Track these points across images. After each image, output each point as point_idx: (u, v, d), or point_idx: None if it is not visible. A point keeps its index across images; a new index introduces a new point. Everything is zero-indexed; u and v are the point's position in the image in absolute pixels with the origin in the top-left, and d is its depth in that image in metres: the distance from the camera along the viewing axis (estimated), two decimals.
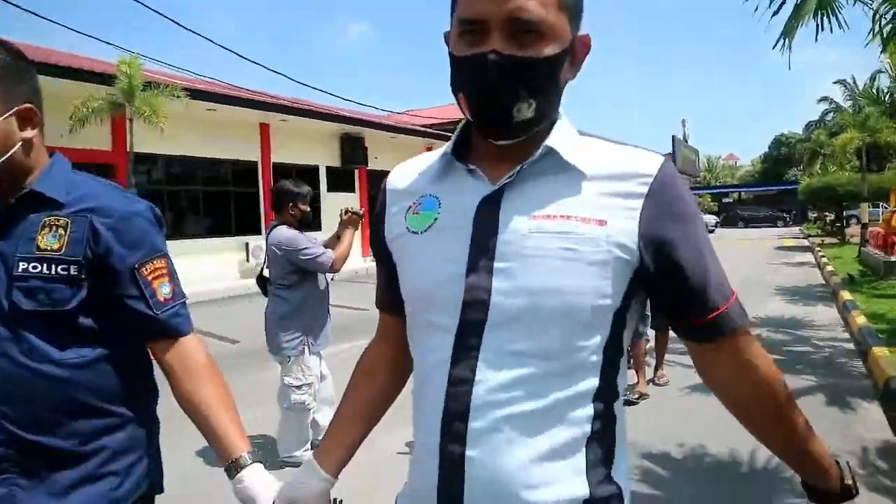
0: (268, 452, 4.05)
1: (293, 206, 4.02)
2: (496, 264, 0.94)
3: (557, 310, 0.92)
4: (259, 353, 4.47)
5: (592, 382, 0.95)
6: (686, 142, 30.48)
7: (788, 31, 6.66)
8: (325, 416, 4.17)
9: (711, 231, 36.32)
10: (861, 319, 7.36)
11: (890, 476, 3.57)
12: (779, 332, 7.70)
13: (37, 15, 13.29)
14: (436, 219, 1.04)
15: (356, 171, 20.00)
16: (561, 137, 1.00)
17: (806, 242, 24.57)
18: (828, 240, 23.85)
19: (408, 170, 1.17)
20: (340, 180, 19.39)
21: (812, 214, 35.22)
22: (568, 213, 0.94)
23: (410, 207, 1.09)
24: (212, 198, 15.72)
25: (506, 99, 0.93)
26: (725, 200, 54.04)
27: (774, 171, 56.64)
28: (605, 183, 0.96)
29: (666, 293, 0.98)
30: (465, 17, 0.93)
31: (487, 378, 0.93)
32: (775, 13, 6.65)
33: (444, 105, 29.57)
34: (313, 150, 18.45)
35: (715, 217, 39.55)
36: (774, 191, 51.70)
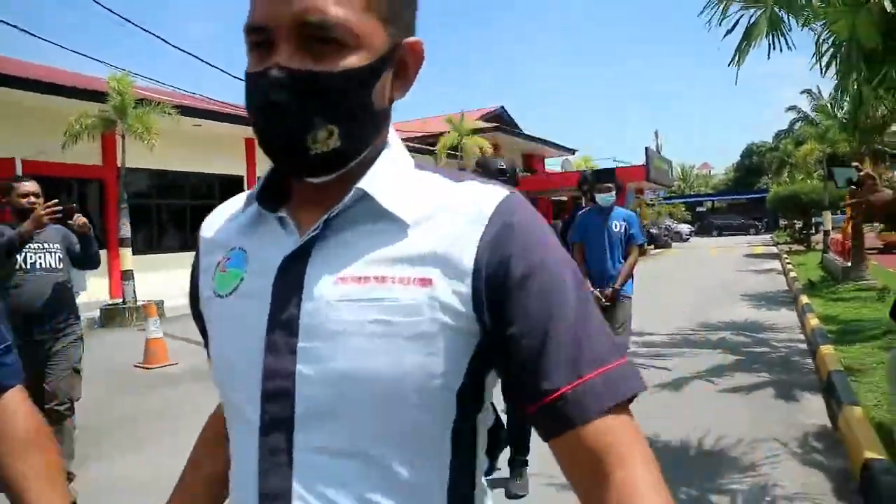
0: None
1: None
2: (300, 343, 0.73)
3: (377, 398, 0.71)
4: None
5: (442, 477, 0.75)
6: (659, 153, 31.36)
7: (740, 52, 7.13)
8: None
9: (686, 240, 37.21)
10: (815, 321, 7.96)
11: (823, 454, 4.09)
12: (740, 335, 8.29)
13: (30, 33, 13.57)
14: (242, 279, 0.81)
15: None
16: (379, 175, 0.78)
17: (775, 250, 25.43)
18: (795, 247, 24.74)
19: (223, 214, 0.92)
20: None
21: (783, 222, 36.27)
22: (383, 273, 0.73)
23: (219, 263, 0.85)
24: (198, 211, 16.05)
25: (295, 125, 0.72)
26: (699, 209, 55.26)
27: (746, 180, 57.99)
28: (432, 232, 0.74)
29: (509, 367, 0.74)
30: (249, 24, 0.73)
31: (307, 492, 0.72)
32: (728, 32, 7.17)
33: (424, 118, 30.13)
34: None
35: (689, 226, 40.50)
36: (746, 199, 53.01)
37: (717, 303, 11.33)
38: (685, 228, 38.76)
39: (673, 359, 7.01)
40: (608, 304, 4.77)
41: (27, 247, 3.80)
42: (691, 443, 4.40)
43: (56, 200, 3.75)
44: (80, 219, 3.94)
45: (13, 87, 11.04)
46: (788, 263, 17.05)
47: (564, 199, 36.87)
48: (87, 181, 13.68)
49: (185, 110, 13.54)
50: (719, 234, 46.19)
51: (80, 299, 4.48)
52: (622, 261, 4.95)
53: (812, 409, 5.02)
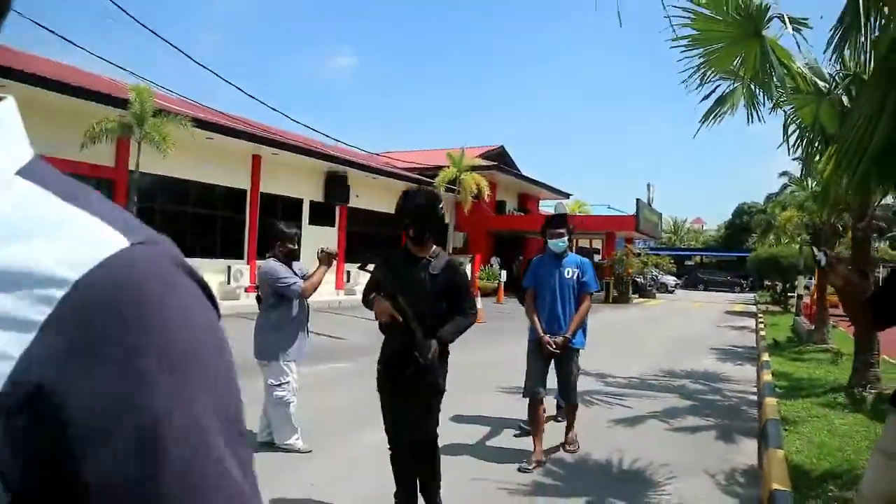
0: (255, 444, 5.03)
1: (282, 244, 4.95)
2: None
3: None
4: (247, 364, 4.79)
5: None
6: (650, 205, 32.29)
7: (710, 116, 7.46)
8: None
9: (672, 291, 37.90)
10: (767, 377, 8.56)
11: (742, 486, 4.66)
12: (698, 384, 8.88)
13: (55, 33, 14.23)
14: None
15: (337, 208, 21.06)
16: None
17: (754, 308, 26.10)
18: (772, 307, 25.43)
19: None
20: (322, 215, 20.43)
21: (767, 283, 37.06)
22: None
23: None
24: (201, 220, 16.65)
25: None
26: (688, 263, 56.14)
27: (736, 238, 58.96)
28: None
29: None
30: None
31: None
32: (705, 98, 7.72)
33: (424, 150, 30.93)
34: (299, 184, 19.54)
35: (675, 278, 41.14)
36: (735, 257, 53.90)
37: (686, 353, 11.92)
38: (671, 280, 39.33)
39: (633, 399, 7.59)
40: (557, 352, 4.84)
41: None
42: (632, 466, 4.98)
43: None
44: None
45: (43, 87, 11.69)
46: (761, 323, 17.69)
47: None
48: (100, 181, 14.26)
49: (200, 123, 14.21)
50: (705, 289, 46.85)
51: None
52: (574, 308, 4.94)
53: (746, 451, 5.60)
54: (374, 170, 21.90)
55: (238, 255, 17.22)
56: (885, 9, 4.54)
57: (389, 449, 3.59)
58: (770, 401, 6.96)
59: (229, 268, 16.59)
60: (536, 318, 4.98)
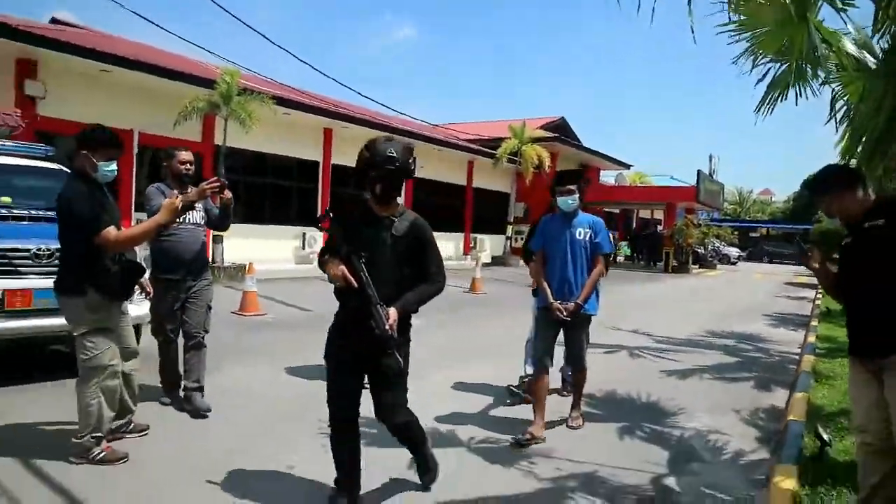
0: None
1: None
2: None
3: None
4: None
5: None
6: (711, 176, 32.00)
7: (765, 103, 8.09)
8: None
9: (734, 263, 37.59)
10: (811, 338, 9.10)
11: (766, 421, 5.37)
12: (746, 343, 9.50)
13: (140, 15, 15.52)
14: None
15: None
16: None
17: (815, 280, 25.95)
18: None
19: None
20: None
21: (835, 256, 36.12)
22: None
23: None
24: (278, 190, 17.86)
25: None
26: (753, 235, 55.01)
27: (805, 210, 57.45)
28: None
29: None
30: None
31: None
32: (759, 81, 8.24)
33: (485, 121, 31.52)
34: None
35: (738, 250, 40.62)
36: (801, 230, 52.64)
37: (739, 319, 12.44)
38: (733, 251, 38.90)
39: (682, 354, 8.29)
40: (568, 319, 4.51)
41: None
42: (668, 404, 5.74)
43: (216, 178, 4.45)
44: (227, 193, 4.63)
45: (141, 70, 12.94)
46: (819, 293, 17.86)
47: (616, 211, 37.83)
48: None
49: (279, 100, 15.27)
50: (770, 261, 46.02)
51: None
52: (586, 272, 4.60)
53: (777, 398, 6.27)
54: (438, 142, 22.68)
55: (312, 223, 18.43)
56: None
57: (329, 426, 3.22)
58: (808, 358, 7.57)
59: (304, 234, 17.80)
60: (546, 283, 4.64)
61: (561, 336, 4.75)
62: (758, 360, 8.27)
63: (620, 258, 31.40)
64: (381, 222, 3.06)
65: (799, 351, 9.05)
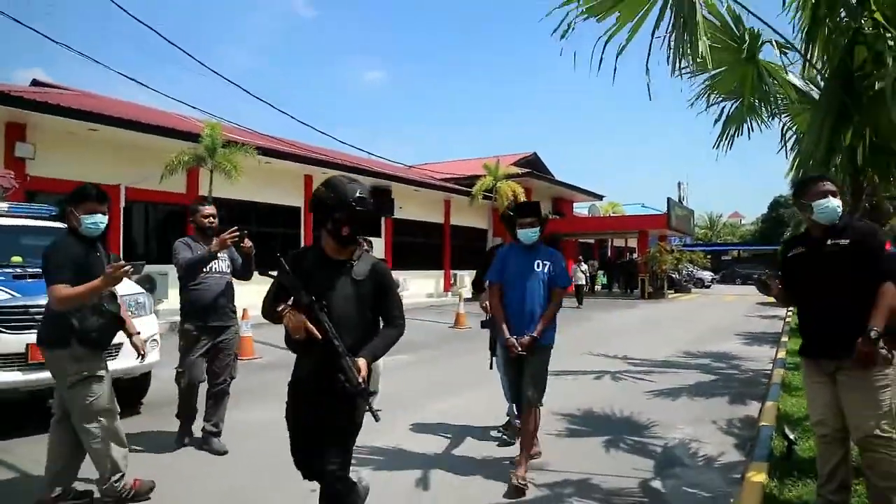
0: None
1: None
2: None
3: None
4: None
5: None
6: (681, 202, 33.07)
7: (720, 139, 8.43)
8: None
9: (708, 286, 38.41)
10: (782, 354, 9.65)
11: (740, 429, 5.84)
12: (721, 362, 10.03)
13: (127, 77, 16.02)
14: None
15: (383, 220, 22.53)
16: None
17: None
18: None
19: None
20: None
21: None
22: None
23: None
24: (263, 237, 18.24)
25: None
26: (725, 258, 56.15)
27: (774, 231, 58.93)
28: None
29: None
30: None
31: None
32: (716, 121, 8.77)
33: (458, 160, 32.28)
34: None
35: (711, 273, 41.57)
36: (771, 250, 53.83)
37: (713, 339, 13.00)
38: (707, 275, 39.83)
39: (658, 375, 8.77)
40: (524, 353, 4.31)
41: None
42: (650, 419, 6.20)
43: (236, 227, 4.86)
44: (247, 243, 4.96)
45: (127, 128, 13.39)
46: (790, 312, 18.54)
47: (591, 241, 38.67)
48: (174, 206, 15.92)
49: (261, 150, 15.78)
50: (743, 283, 46.81)
51: (168, 305, 5.85)
52: (543, 304, 4.42)
53: (751, 409, 6.75)
54: (416, 182, 23.31)
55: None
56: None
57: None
58: (778, 371, 8.09)
59: None
60: (503, 320, 4.47)
61: None
62: (732, 377, 8.78)
63: (598, 287, 32.08)
64: (337, 267, 2.79)
65: (770, 366, 9.59)
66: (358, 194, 2.69)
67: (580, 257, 25.65)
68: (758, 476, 4.08)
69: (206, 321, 5.01)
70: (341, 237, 2.73)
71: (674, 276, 31.00)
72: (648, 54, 4.72)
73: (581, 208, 38.31)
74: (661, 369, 9.34)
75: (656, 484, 4.41)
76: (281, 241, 18.76)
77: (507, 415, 5.45)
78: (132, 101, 18.58)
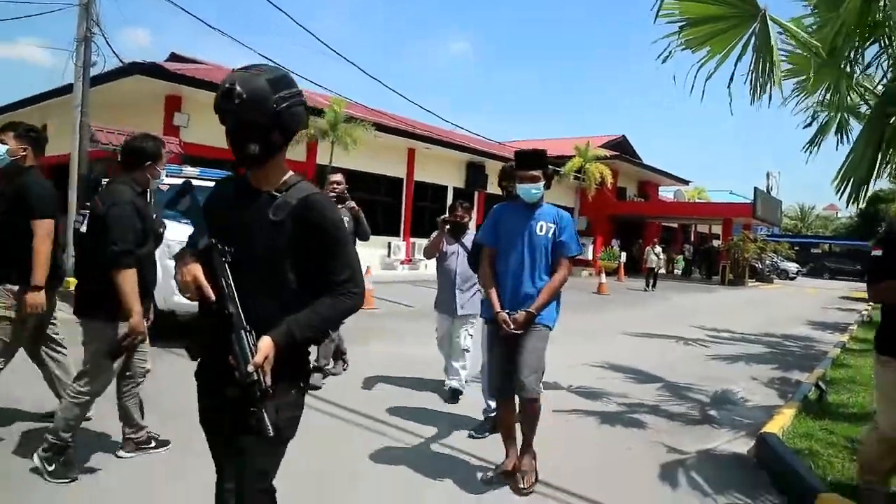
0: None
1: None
2: None
3: None
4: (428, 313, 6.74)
5: None
6: (769, 192, 33.05)
7: (813, 144, 9.19)
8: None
9: (792, 278, 38.17)
10: (845, 338, 10.67)
11: (787, 387, 7.10)
12: (784, 340, 11.14)
13: (244, 44, 17.99)
14: None
15: (476, 194, 24.04)
16: None
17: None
18: None
19: None
20: (464, 200, 23.53)
21: None
22: None
23: None
24: (369, 204, 20.15)
25: None
26: (814, 251, 54.71)
27: (870, 228, 56.86)
28: None
29: None
30: None
31: None
32: (807, 125, 9.31)
33: (547, 139, 33.36)
34: (445, 173, 22.71)
35: (797, 265, 41.10)
36: (865, 247, 52.07)
37: (784, 324, 13.97)
38: (792, 267, 39.49)
39: (726, 346, 10.02)
40: (518, 332, 3.55)
41: None
42: (715, 375, 7.55)
43: (335, 193, 5.58)
44: (349, 203, 5.66)
45: None
46: (870, 306, 19.02)
47: (675, 225, 39.06)
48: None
49: (376, 126, 17.52)
50: (831, 277, 45.82)
51: None
52: (545, 277, 3.67)
53: (802, 377, 7.96)
54: (507, 159, 24.67)
55: (396, 233, 20.66)
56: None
57: None
58: (835, 350, 9.22)
59: (389, 244, 19.99)
60: (494, 290, 3.70)
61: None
62: (793, 352, 9.92)
63: (677, 271, 32.71)
64: (257, 198, 1.92)
65: (831, 348, 10.64)
66: (225, 86, 1.79)
67: (655, 240, 25.45)
68: (788, 410, 5.43)
69: None
70: (231, 147, 1.87)
71: (756, 265, 31.24)
72: (731, 80, 5.95)
73: (667, 192, 38.70)
74: (726, 342, 10.56)
75: (711, 412, 5.83)
76: (383, 210, 20.61)
77: (484, 412, 4.82)
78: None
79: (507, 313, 3.61)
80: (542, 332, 3.67)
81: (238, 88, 1.78)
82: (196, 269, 1.86)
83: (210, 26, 12.07)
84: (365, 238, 5.92)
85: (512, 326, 3.56)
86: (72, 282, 11.27)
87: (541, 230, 3.69)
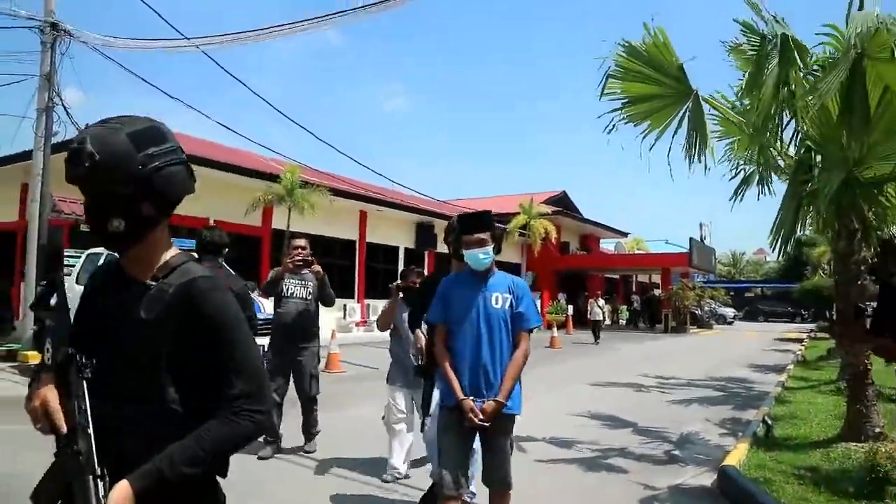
0: None
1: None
2: None
3: None
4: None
5: None
6: (703, 241, 34.90)
7: (735, 194, 9.91)
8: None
9: (730, 322, 39.79)
10: (783, 377, 11.55)
11: (738, 426, 7.77)
12: (729, 383, 11.96)
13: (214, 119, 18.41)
14: None
15: (426, 254, 24.67)
16: None
17: (804, 336, 28.36)
18: (821, 335, 27.63)
19: None
20: (414, 260, 24.12)
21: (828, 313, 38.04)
22: None
23: None
24: (326, 267, 20.41)
25: None
26: (748, 295, 56.85)
27: (797, 270, 59.68)
28: None
29: None
30: None
31: None
32: (731, 178, 10.17)
33: (491, 197, 34.52)
34: (396, 234, 23.36)
35: (734, 310, 42.83)
36: (794, 288, 54.51)
37: (727, 367, 14.87)
38: (729, 312, 41.15)
39: (674, 391, 10.73)
40: (486, 424, 3.19)
41: (291, 281, 5.65)
42: (673, 418, 8.18)
43: (298, 251, 5.54)
44: (315, 267, 5.64)
45: (226, 171, 15.77)
46: (803, 346, 20.30)
47: (616, 276, 40.55)
48: (251, 238, 18.22)
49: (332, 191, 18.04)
50: (766, 320, 47.50)
51: None
52: (506, 354, 3.32)
53: (750, 415, 8.68)
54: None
55: (350, 295, 21.00)
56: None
57: None
58: (776, 389, 10.03)
59: (344, 306, 20.29)
60: (452, 373, 3.31)
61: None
62: (739, 394, 10.70)
63: (622, 321, 33.90)
64: (128, 291, 1.49)
65: (772, 387, 11.50)
66: (74, 145, 1.39)
67: (598, 293, 26.39)
68: (742, 445, 6.07)
69: (281, 342, 5.73)
70: (88, 224, 1.50)
71: (696, 312, 32.65)
72: (669, 149, 6.71)
73: (607, 244, 40.28)
74: (677, 388, 11.29)
75: (675, 451, 6.43)
76: (339, 272, 20.98)
77: (432, 476, 4.22)
78: (203, 139, 21.03)
79: (472, 399, 3.22)
80: (510, 424, 3.39)
81: (89, 148, 1.35)
82: (48, 393, 1.39)
83: (170, 95, 12.40)
84: (330, 303, 5.95)
85: (480, 418, 3.17)
86: (31, 355, 11.13)
87: (496, 303, 3.35)
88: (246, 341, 1.48)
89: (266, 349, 6.15)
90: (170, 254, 1.53)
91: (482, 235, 3.33)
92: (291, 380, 5.82)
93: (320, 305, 5.92)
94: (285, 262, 5.48)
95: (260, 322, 6.38)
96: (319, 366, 6.05)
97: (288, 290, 5.65)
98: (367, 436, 6.24)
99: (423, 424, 4.45)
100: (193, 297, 1.43)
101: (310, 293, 5.75)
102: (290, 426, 6.02)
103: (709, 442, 6.94)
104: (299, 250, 5.58)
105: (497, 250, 3.42)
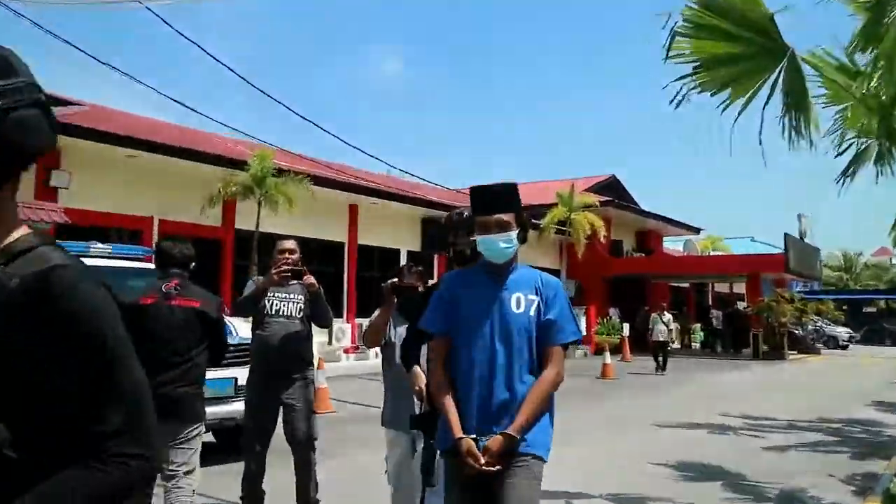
0: None
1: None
2: None
3: None
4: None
5: None
6: (802, 238, 34.29)
7: (848, 174, 8.75)
8: None
9: (844, 346, 39.13)
10: None
11: (859, 480, 7.96)
12: (846, 426, 12.14)
13: (172, 99, 18.75)
14: None
15: (435, 258, 24.84)
16: None
17: None
18: None
19: None
20: (418, 263, 24.37)
21: None
22: None
23: None
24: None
25: None
26: (867, 309, 55.13)
27: None
28: None
29: None
30: None
31: None
32: (838, 155, 8.78)
33: (522, 182, 34.62)
34: (396, 234, 23.79)
35: (848, 330, 41.89)
36: None
37: (842, 404, 14.98)
38: (843, 332, 40.63)
39: (773, 434, 10.92)
40: (493, 469, 2.93)
41: (274, 295, 5.55)
42: (772, 469, 8.38)
43: (288, 266, 5.39)
44: (307, 279, 5.52)
45: (175, 155, 16.08)
46: None
47: (685, 285, 40.48)
48: (208, 241, 18.46)
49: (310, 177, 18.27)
50: (893, 343, 44.82)
51: None
52: (528, 377, 3.10)
53: (874, 466, 8.85)
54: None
55: (337, 314, 21.25)
56: None
57: None
58: None
59: (329, 330, 20.51)
60: (452, 404, 3.10)
61: None
62: (860, 439, 10.88)
63: (695, 344, 33.78)
64: None
65: None
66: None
67: (662, 306, 23.85)
68: None
69: (265, 369, 5.64)
70: None
71: (796, 332, 32.37)
72: (760, 128, 6.78)
73: (674, 243, 40.17)
74: (776, 430, 11.47)
75: None
76: (322, 284, 21.15)
77: None
78: (149, 117, 21.35)
79: (474, 439, 2.97)
80: (531, 470, 3.04)
81: None
82: None
83: (101, 62, 12.54)
84: (326, 323, 6.00)
85: (482, 461, 2.92)
86: None
87: (517, 306, 3.11)
88: (124, 359, 1.33)
89: (240, 384, 6.30)
90: (17, 234, 1.36)
91: (504, 217, 3.10)
92: (279, 423, 5.66)
93: (313, 326, 5.85)
94: (270, 272, 5.50)
95: (231, 348, 6.09)
96: None
97: (272, 306, 5.57)
98: (371, 494, 6.03)
99: (422, 499, 3.73)
100: (49, 294, 1.26)
101: (300, 310, 5.65)
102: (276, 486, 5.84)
103: (826, 501, 7.15)
104: (287, 256, 5.52)
105: (522, 239, 3.20)
